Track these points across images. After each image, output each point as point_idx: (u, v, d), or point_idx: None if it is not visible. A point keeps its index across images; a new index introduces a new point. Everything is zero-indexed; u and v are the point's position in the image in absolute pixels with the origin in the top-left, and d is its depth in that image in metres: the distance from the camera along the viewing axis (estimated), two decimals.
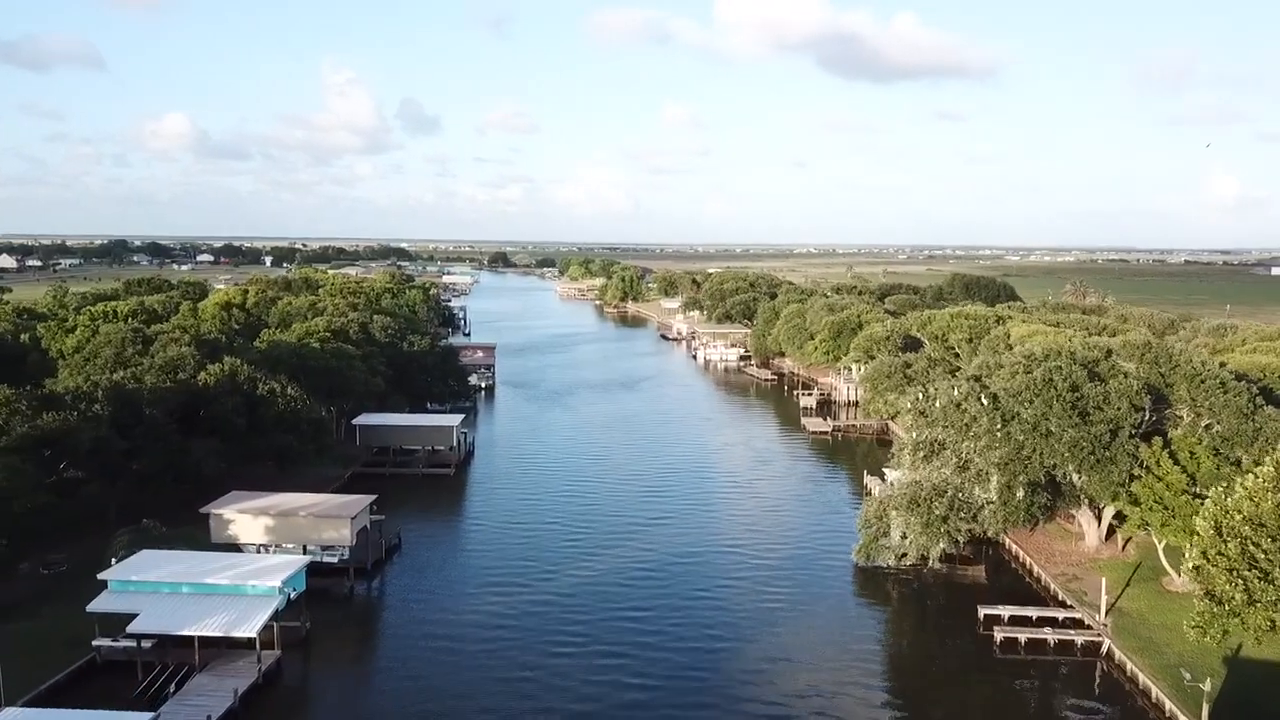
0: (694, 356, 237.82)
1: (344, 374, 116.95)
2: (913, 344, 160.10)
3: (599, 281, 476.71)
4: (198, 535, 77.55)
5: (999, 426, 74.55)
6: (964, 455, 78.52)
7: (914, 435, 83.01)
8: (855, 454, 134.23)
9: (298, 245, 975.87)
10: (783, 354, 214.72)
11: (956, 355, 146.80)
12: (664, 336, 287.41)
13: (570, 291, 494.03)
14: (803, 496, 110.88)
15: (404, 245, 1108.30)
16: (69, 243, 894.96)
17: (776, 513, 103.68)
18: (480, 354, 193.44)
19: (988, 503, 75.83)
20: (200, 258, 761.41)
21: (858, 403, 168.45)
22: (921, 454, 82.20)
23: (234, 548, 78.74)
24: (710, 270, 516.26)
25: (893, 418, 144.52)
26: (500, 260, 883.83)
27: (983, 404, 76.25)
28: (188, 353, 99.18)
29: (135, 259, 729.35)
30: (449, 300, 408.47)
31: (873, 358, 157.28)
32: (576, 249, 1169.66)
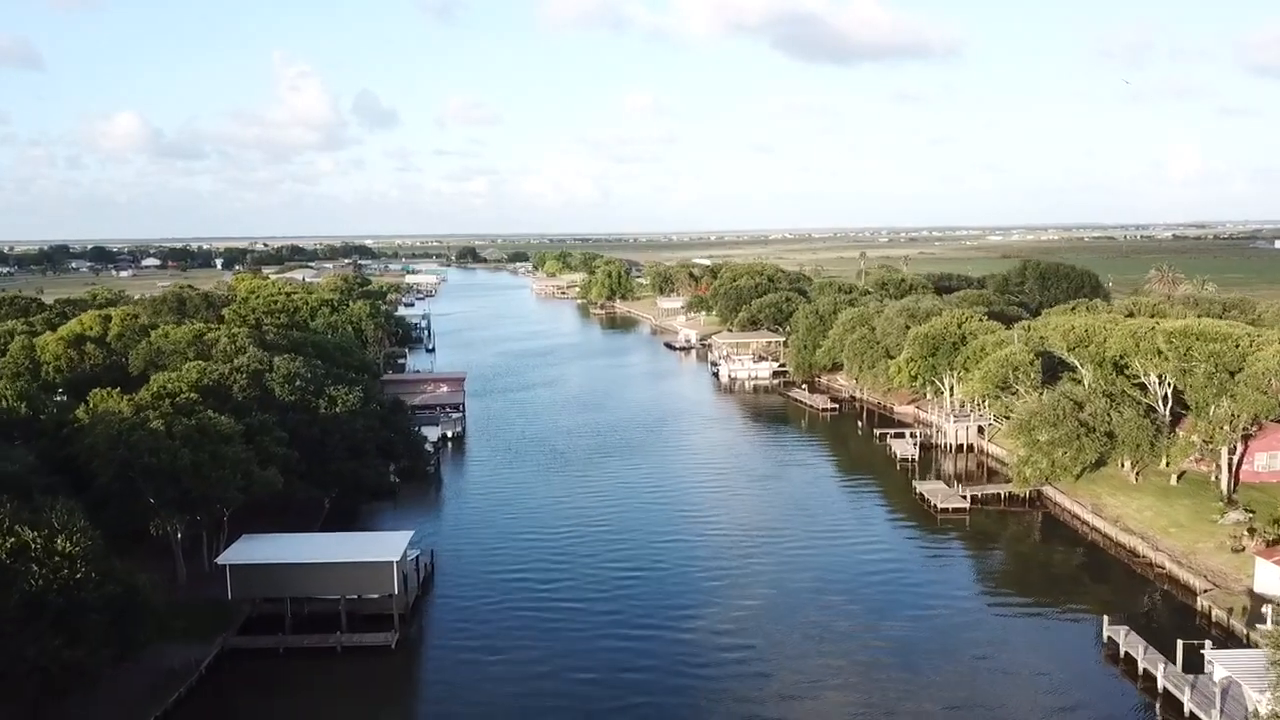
0: (714, 374, 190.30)
1: (207, 471, 68.70)
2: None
3: (579, 277, 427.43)
4: None
5: None
6: None
7: None
8: (1023, 552, 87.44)
9: (258, 245, 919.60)
10: (832, 369, 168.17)
11: (1143, 389, 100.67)
12: (669, 346, 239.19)
13: (548, 289, 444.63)
14: (1015, 674, 63.63)
15: (368, 243, 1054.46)
16: (18, 249, 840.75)
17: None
18: (445, 389, 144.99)
19: None
20: (145, 262, 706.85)
21: (971, 447, 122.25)
22: None
23: None
24: (699, 260, 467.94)
25: (1046, 480, 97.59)
26: (469, 255, 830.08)
27: None
28: None
29: (74, 265, 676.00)
30: (411, 304, 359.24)
31: (1006, 389, 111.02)
32: (548, 241, 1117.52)
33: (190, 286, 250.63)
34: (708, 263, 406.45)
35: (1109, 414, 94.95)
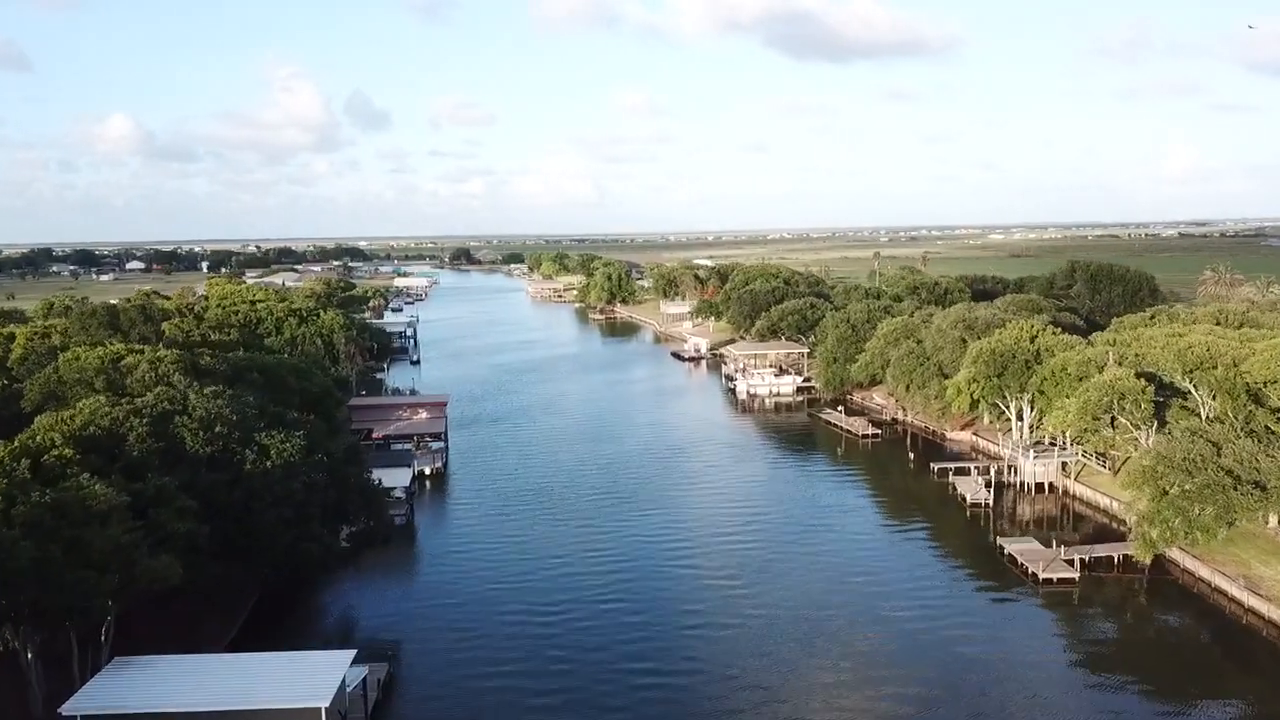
0: (730, 389, 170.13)
1: (58, 571, 48.35)
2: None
3: (577, 280, 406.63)
4: None
5: None
6: None
7: None
8: (1163, 640, 67.23)
9: (249, 247, 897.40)
10: (865, 385, 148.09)
11: None
12: (676, 356, 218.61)
13: (544, 292, 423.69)
14: None
15: (362, 244, 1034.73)
16: (7, 252, 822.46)
17: None
18: (424, 415, 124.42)
19: None
20: (130, 265, 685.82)
21: (1052, 487, 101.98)
22: None
23: None
24: (699, 260, 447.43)
25: (1176, 542, 77.16)
26: (463, 257, 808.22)
27: None
28: None
29: (56, 269, 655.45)
30: (399, 309, 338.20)
31: (1097, 418, 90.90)
32: (544, 242, 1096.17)
33: (156, 293, 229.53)
34: (709, 263, 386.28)
35: (1257, 458, 74.80)
